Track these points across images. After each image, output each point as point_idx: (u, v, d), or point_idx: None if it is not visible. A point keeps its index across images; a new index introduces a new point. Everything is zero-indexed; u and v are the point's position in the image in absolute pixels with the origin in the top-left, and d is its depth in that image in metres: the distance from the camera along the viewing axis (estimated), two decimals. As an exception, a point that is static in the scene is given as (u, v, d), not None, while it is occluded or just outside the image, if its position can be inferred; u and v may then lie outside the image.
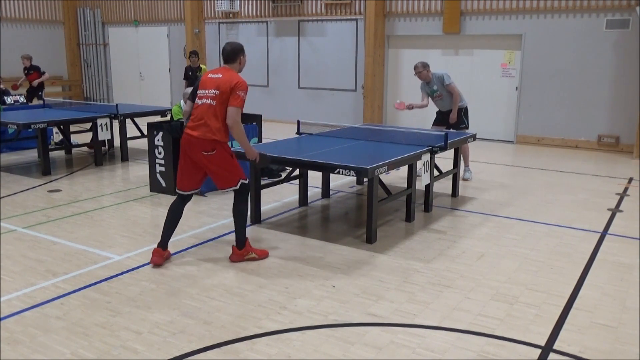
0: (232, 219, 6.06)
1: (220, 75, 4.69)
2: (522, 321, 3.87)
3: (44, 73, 12.49)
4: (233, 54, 4.78)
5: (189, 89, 7.99)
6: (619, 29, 10.43)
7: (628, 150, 10.53)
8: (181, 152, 4.82)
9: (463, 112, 7.96)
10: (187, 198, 4.99)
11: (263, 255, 5.01)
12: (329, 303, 4.11)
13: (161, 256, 4.86)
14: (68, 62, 17.56)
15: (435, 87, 7.89)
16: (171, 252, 5.04)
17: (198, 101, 4.76)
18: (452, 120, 7.85)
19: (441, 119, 8.08)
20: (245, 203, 4.92)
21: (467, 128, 7.99)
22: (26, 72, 12.40)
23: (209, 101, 4.66)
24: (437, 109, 8.17)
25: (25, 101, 10.83)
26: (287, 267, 4.80)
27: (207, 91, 4.69)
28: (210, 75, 4.79)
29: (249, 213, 6.00)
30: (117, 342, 3.54)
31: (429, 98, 8.07)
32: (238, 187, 4.81)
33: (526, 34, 11.26)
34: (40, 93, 12.40)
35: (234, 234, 5.60)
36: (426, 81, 7.94)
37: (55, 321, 3.80)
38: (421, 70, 7.85)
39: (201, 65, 11.19)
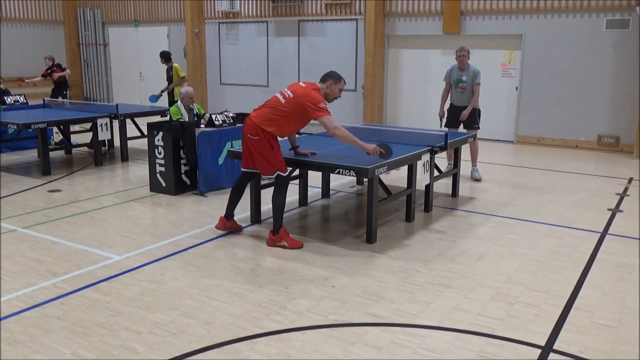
0: (232, 218, 6.12)
1: (304, 85, 5.14)
2: (522, 321, 3.87)
3: (65, 69, 12.52)
4: (324, 76, 5.23)
5: (183, 88, 8.08)
6: (619, 29, 10.42)
7: (628, 150, 10.52)
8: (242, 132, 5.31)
9: (477, 113, 8.06)
10: (249, 175, 5.50)
11: (294, 245, 5.22)
12: (329, 303, 4.11)
13: (224, 224, 5.54)
14: (68, 62, 17.54)
15: (465, 77, 7.95)
16: (242, 226, 5.71)
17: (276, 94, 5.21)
18: (464, 117, 7.93)
19: (454, 119, 8.08)
20: (280, 193, 5.23)
21: (479, 128, 8.09)
22: (49, 71, 12.52)
23: (280, 97, 5.10)
24: (450, 105, 8.19)
25: (25, 101, 10.83)
26: (287, 267, 4.80)
27: (285, 90, 5.16)
28: (299, 82, 5.27)
29: (248, 213, 6.03)
30: (117, 342, 3.54)
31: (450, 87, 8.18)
32: (274, 177, 5.17)
33: (526, 34, 11.25)
34: (65, 92, 12.46)
35: (233, 234, 5.64)
36: (461, 68, 7.99)
37: (55, 321, 3.80)
38: (466, 54, 7.92)
39: (174, 65, 10.98)
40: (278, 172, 5.13)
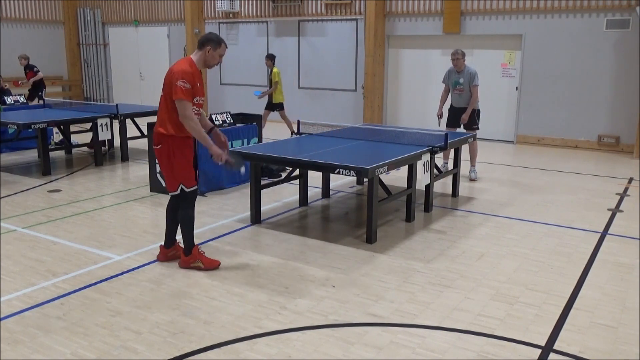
0: (232, 219, 6.11)
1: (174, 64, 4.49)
2: (522, 321, 3.87)
3: (37, 72, 12.45)
4: (204, 40, 4.50)
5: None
6: (619, 29, 10.43)
7: (628, 150, 10.53)
8: None
9: (476, 114, 8.08)
10: (172, 197, 4.68)
11: (211, 265, 4.68)
12: (329, 303, 4.11)
13: (165, 254, 4.85)
14: (68, 62, 17.56)
15: (462, 80, 7.99)
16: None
17: None
18: (464, 120, 7.97)
19: (454, 119, 8.13)
20: (188, 208, 4.60)
21: (479, 129, 8.11)
22: (25, 71, 12.56)
23: (162, 93, 4.46)
24: (451, 106, 8.24)
25: (25, 101, 10.84)
26: (287, 267, 4.80)
27: None
28: None
29: (248, 213, 6.03)
30: (117, 342, 3.54)
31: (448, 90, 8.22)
32: (178, 192, 4.54)
33: (526, 34, 11.26)
34: (40, 93, 12.45)
35: (234, 234, 5.63)
36: (457, 70, 8.02)
37: (55, 321, 3.80)
38: (460, 57, 7.97)
39: (274, 70, 11.14)
40: (181, 186, 4.50)
